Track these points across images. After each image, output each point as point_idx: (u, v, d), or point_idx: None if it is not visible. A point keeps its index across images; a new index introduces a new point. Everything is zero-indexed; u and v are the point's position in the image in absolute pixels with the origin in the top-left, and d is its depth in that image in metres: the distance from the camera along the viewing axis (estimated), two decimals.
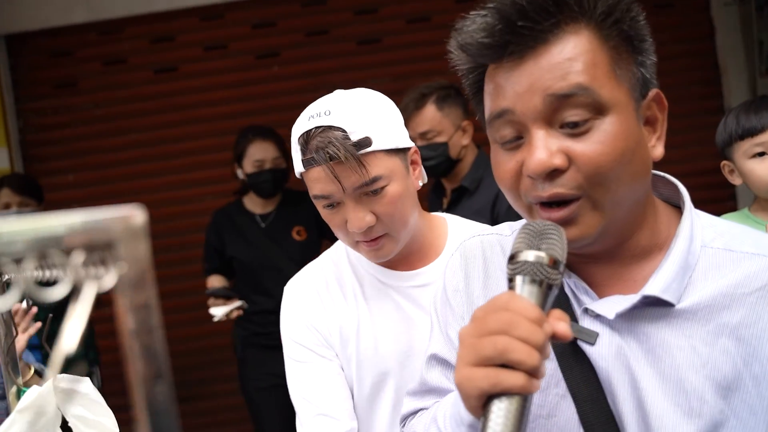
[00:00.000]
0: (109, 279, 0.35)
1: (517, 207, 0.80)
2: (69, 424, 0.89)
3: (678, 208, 0.83)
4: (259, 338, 2.71)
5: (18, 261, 0.34)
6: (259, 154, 2.65)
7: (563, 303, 0.80)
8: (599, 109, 0.71)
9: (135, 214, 0.34)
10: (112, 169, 3.50)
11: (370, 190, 1.11)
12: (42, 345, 1.22)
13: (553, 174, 0.72)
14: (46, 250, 0.34)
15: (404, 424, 1.00)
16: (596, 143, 0.71)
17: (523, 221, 0.82)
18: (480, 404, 0.64)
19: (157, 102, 3.50)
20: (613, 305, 0.76)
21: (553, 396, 0.79)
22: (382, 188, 1.11)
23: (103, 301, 0.50)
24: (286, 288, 1.30)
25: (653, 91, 0.77)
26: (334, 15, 3.51)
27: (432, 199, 2.53)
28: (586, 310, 0.78)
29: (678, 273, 0.75)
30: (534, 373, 0.62)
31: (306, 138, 1.11)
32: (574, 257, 0.81)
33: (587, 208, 0.73)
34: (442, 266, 1.19)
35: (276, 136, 2.68)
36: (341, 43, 3.50)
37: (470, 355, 0.64)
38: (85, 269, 0.35)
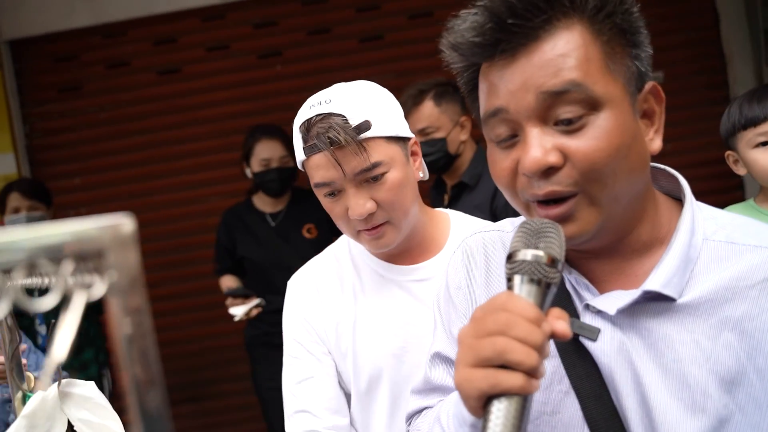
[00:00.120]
0: (99, 287, 0.35)
1: (514, 205, 0.79)
2: (74, 428, 0.90)
3: (680, 201, 0.82)
4: (271, 337, 2.72)
5: (8, 271, 0.35)
6: (265, 152, 2.65)
7: (565, 299, 0.80)
8: (593, 105, 0.71)
9: (124, 223, 0.34)
10: (118, 171, 3.52)
11: (370, 176, 1.12)
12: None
13: (548, 172, 0.72)
14: (35, 260, 0.34)
15: (410, 423, 1.00)
16: (591, 139, 0.70)
17: (523, 218, 0.82)
18: (480, 405, 0.64)
19: (161, 104, 3.51)
20: (614, 301, 0.76)
21: (557, 393, 0.79)
22: (383, 174, 1.12)
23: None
24: (288, 284, 1.32)
25: (649, 84, 0.77)
26: (336, 13, 3.50)
27: (434, 195, 2.54)
28: (587, 306, 0.78)
29: (679, 267, 0.75)
30: (533, 373, 0.62)
31: (307, 126, 1.13)
32: (574, 253, 0.80)
33: (584, 204, 0.73)
34: (443, 261, 1.20)
35: (283, 135, 2.67)
36: (343, 40, 3.50)
37: (469, 356, 0.64)
38: (75, 278, 0.35)
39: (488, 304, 0.66)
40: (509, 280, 0.67)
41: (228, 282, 2.84)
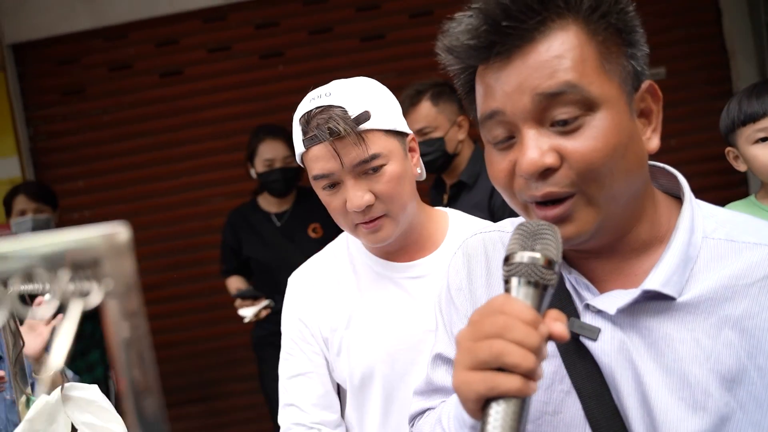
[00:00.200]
0: (96, 295, 0.35)
1: (513, 206, 0.79)
2: (78, 431, 0.90)
3: (679, 200, 0.82)
4: (278, 338, 2.73)
5: (5, 280, 0.35)
6: (269, 153, 2.66)
7: (565, 299, 0.80)
8: (589, 106, 0.70)
9: (119, 231, 0.35)
10: (121, 173, 3.53)
11: (369, 168, 1.13)
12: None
13: (545, 173, 0.72)
14: (32, 269, 0.34)
15: (413, 424, 1.00)
16: (588, 140, 0.70)
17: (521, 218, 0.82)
18: (478, 407, 0.64)
19: (163, 105, 3.52)
20: (613, 300, 0.76)
21: (558, 393, 0.79)
22: (381, 167, 1.13)
23: None
24: (288, 282, 1.34)
25: (646, 83, 0.76)
26: (337, 12, 3.50)
27: (433, 195, 2.56)
28: (587, 306, 0.78)
29: (679, 266, 0.75)
30: (530, 375, 0.62)
31: (307, 118, 1.14)
32: (574, 253, 0.80)
33: (582, 204, 0.73)
34: (440, 259, 1.20)
35: (287, 135, 2.67)
36: (345, 40, 3.50)
37: (467, 359, 0.64)
38: (72, 287, 0.36)
39: (485, 307, 0.66)
40: (506, 282, 0.67)
41: (235, 283, 2.84)
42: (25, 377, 0.84)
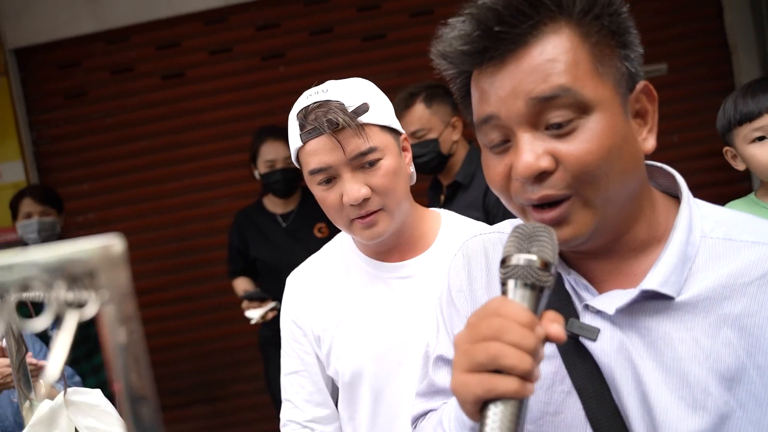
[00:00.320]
0: (91, 307, 0.36)
1: (510, 208, 0.80)
2: None
3: (678, 199, 0.82)
4: None
5: (3, 292, 0.36)
6: (270, 154, 2.67)
7: (564, 300, 0.80)
8: (583, 109, 0.71)
9: (114, 243, 0.35)
10: (125, 176, 3.55)
11: (366, 161, 1.14)
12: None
13: (541, 176, 0.72)
14: (29, 281, 0.35)
15: (415, 426, 1.01)
16: (582, 142, 0.71)
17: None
18: (476, 409, 0.64)
19: (166, 108, 3.54)
20: (612, 300, 0.76)
21: (559, 393, 0.79)
22: (378, 161, 1.15)
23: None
24: (286, 281, 1.38)
25: (641, 84, 0.76)
26: (338, 12, 3.51)
27: (430, 196, 2.57)
28: (586, 307, 0.78)
29: (677, 266, 0.75)
30: (527, 377, 0.62)
31: (305, 113, 1.16)
32: (573, 254, 0.81)
33: (578, 206, 0.73)
34: (428, 260, 1.21)
35: (288, 136, 2.68)
36: (346, 40, 3.51)
37: (464, 361, 0.65)
38: (68, 298, 0.36)
39: (482, 309, 0.66)
40: (503, 284, 0.67)
41: (242, 284, 2.85)
42: (29, 382, 0.85)
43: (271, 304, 2.61)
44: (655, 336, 0.75)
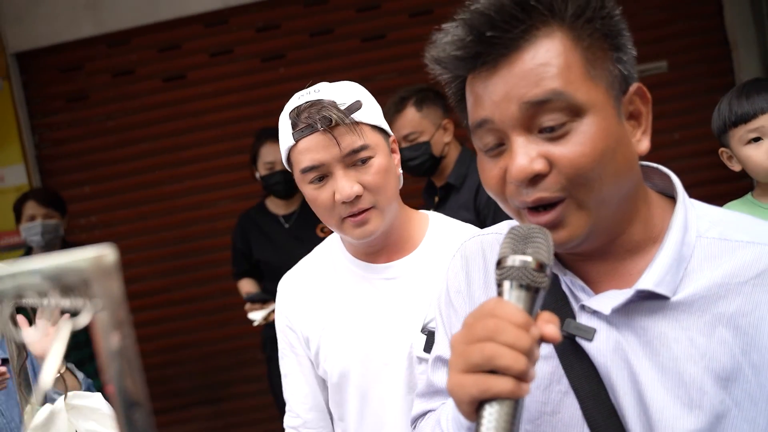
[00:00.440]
0: (85, 316, 0.36)
1: (506, 211, 0.80)
2: None
3: (673, 199, 0.82)
4: None
5: None
6: (269, 155, 2.67)
7: (561, 300, 0.81)
8: (576, 112, 0.71)
9: (107, 254, 0.36)
10: (126, 179, 3.56)
11: (359, 159, 1.15)
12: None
13: (535, 179, 0.72)
14: (24, 291, 0.35)
15: (415, 426, 1.01)
16: (575, 145, 0.71)
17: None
18: (472, 410, 0.65)
19: (167, 110, 3.55)
20: (608, 301, 0.76)
21: (556, 393, 0.80)
22: (369, 158, 1.15)
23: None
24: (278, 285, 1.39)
25: (634, 86, 0.76)
26: (337, 13, 3.51)
27: (425, 198, 2.58)
28: (582, 307, 0.78)
29: (672, 266, 0.75)
30: (522, 377, 0.63)
31: (297, 112, 1.16)
32: (569, 255, 0.81)
33: (573, 208, 0.73)
34: (414, 261, 1.22)
35: None
36: (346, 41, 3.51)
37: (460, 362, 0.65)
38: (62, 307, 0.37)
39: (478, 310, 0.67)
40: (499, 285, 0.68)
41: (246, 286, 2.86)
42: (30, 387, 0.85)
43: (274, 306, 2.62)
44: (650, 336, 0.75)
